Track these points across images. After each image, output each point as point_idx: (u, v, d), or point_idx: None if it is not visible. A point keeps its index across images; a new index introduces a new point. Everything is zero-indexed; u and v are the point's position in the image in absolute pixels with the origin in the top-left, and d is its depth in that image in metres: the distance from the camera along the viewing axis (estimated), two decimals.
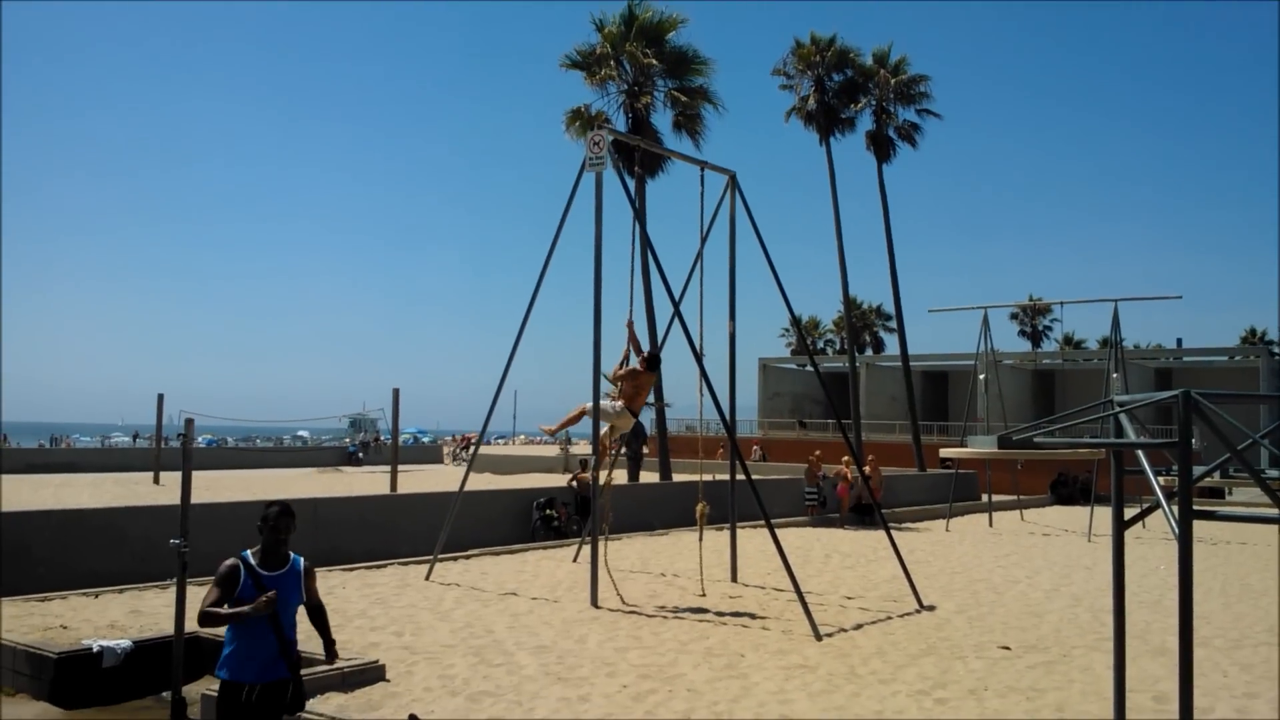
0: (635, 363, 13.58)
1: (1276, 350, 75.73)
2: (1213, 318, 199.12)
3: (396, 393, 27.77)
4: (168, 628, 9.54)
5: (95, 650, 9.31)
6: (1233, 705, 8.71)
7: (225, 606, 5.68)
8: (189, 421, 10.05)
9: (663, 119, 31.93)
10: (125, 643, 9.51)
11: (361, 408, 65.93)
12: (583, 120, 30.71)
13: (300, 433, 73.41)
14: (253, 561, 5.84)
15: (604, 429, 13.40)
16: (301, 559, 6.04)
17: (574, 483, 21.06)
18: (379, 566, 15.18)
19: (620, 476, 18.06)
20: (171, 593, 10.04)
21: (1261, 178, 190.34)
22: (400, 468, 28.73)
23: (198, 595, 11.76)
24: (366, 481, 36.64)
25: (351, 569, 14.82)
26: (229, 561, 5.83)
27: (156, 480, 35.82)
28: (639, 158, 27.25)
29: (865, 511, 24.27)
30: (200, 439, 59.13)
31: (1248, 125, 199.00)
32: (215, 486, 29.89)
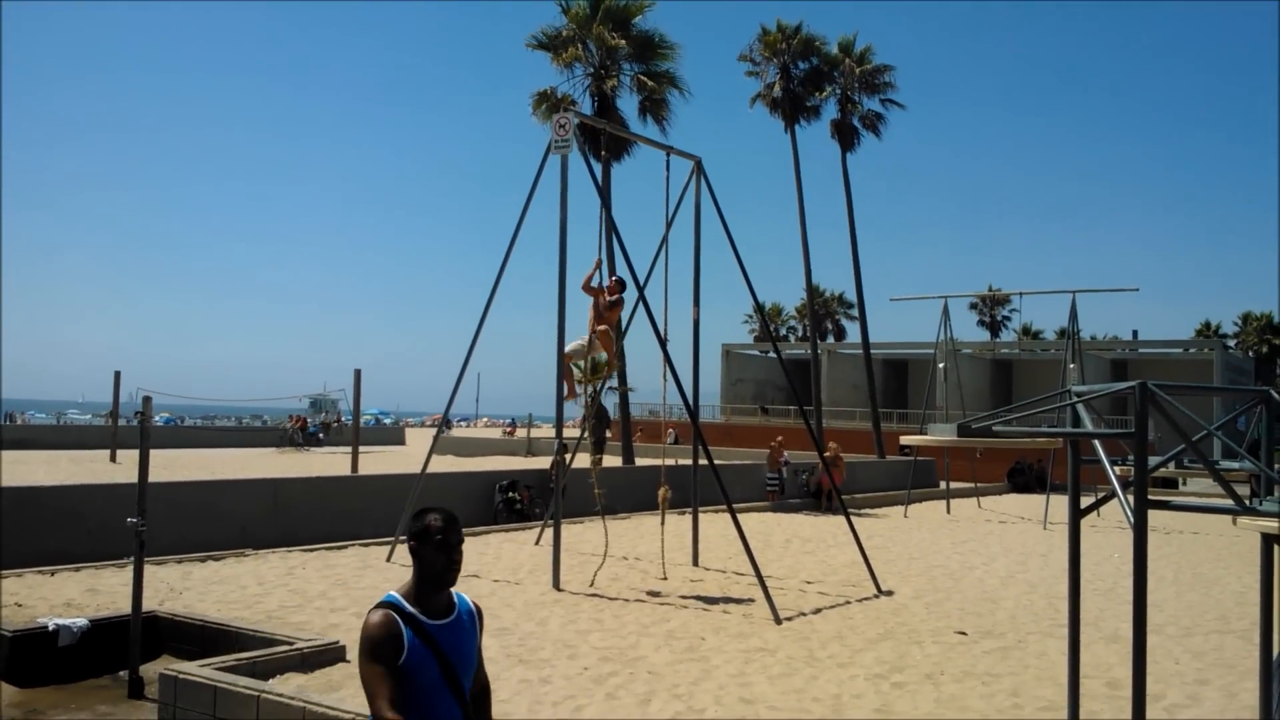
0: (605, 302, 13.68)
1: (1230, 344, 77.06)
2: (1168, 311, 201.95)
3: (358, 373, 27.63)
4: (125, 606, 9.46)
5: (51, 629, 9.21)
6: (1184, 692, 8.87)
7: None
8: (147, 399, 9.94)
9: (629, 103, 31.89)
10: (81, 621, 9.41)
11: (322, 388, 65.51)
12: (549, 103, 30.56)
13: (260, 415, 72.77)
14: (410, 607, 3.69)
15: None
16: (468, 598, 3.92)
17: (553, 469, 20.87)
18: (340, 548, 15.11)
19: (583, 460, 18.07)
20: (128, 571, 9.96)
21: (1218, 175, 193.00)
22: (361, 448, 28.59)
23: (155, 574, 11.75)
24: (327, 462, 36.40)
25: (312, 550, 14.75)
26: (377, 616, 3.62)
27: (113, 458, 35.40)
28: (605, 141, 27.16)
29: (826, 497, 24.48)
30: (157, 418, 58.43)
31: (1206, 124, 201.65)
32: (173, 465, 29.62)
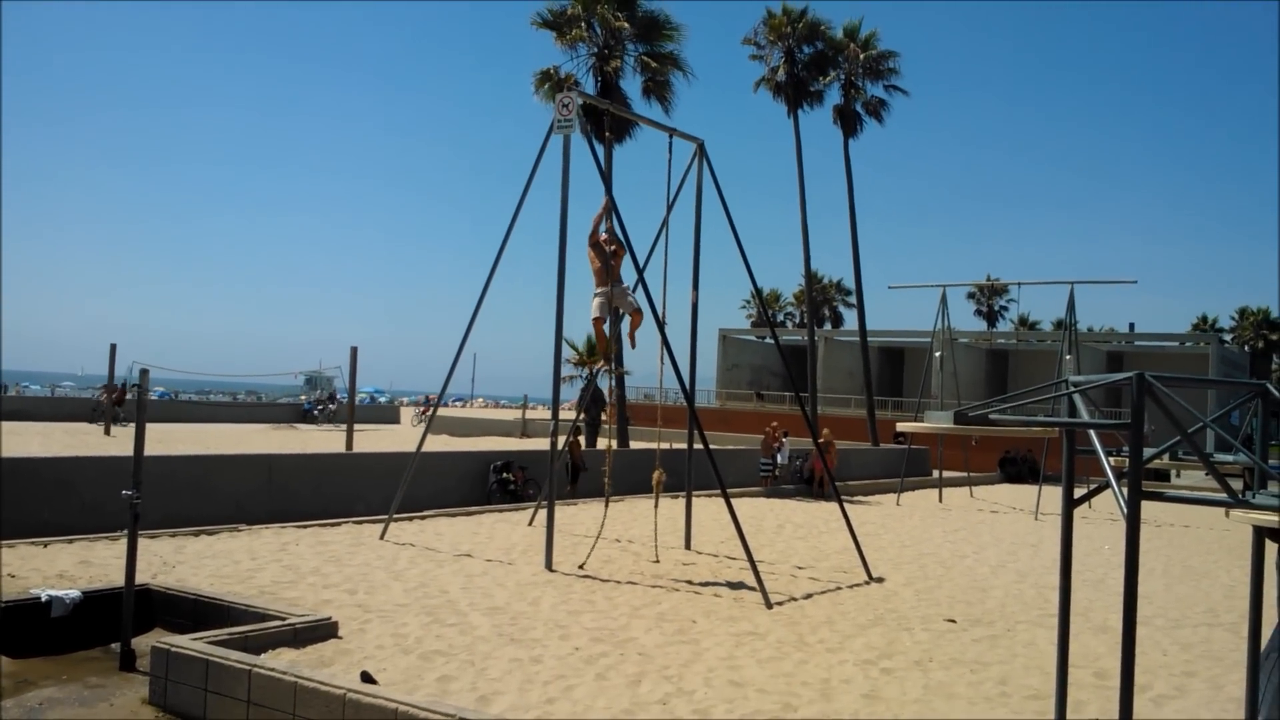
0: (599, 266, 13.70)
1: (1226, 338, 77.15)
2: (1165, 304, 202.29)
3: (354, 351, 27.62)
4: (118, 579, 9.47)
5: (44, 600, 9.22)
6: (1171, 683, 8.91)
7: None
8: (144, 373, 9.94)
9: (632, 84, 31.81)
10: (74, 593, 9.42)
11: (318, 365, 65.52)
12: (552, 82, 30.49)
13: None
14: None
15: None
16: None
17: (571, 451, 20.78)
18: (334, 524, 15.13)
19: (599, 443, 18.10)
20: (122, 544, 9.96)
21: (1218, 169, 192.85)
22: (356, 427, 28.58)
23: (148, 548, 11.75)
24: (322, 439, 36.41)
25: (305, 526, 14.76)
26: None
27: (108, 431, 35.42)
28: (608, 122, 27.09)
29: (819, 483, 24.54)
30: (152, 392, 58.30)
31: (1206, 117, 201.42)
32: (167, 439, 29.61)
